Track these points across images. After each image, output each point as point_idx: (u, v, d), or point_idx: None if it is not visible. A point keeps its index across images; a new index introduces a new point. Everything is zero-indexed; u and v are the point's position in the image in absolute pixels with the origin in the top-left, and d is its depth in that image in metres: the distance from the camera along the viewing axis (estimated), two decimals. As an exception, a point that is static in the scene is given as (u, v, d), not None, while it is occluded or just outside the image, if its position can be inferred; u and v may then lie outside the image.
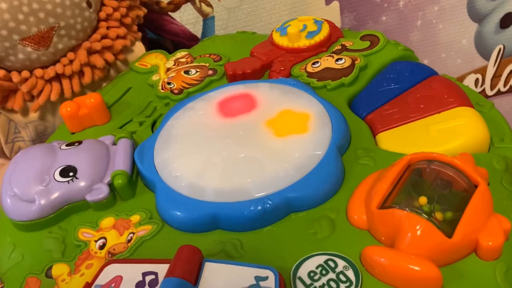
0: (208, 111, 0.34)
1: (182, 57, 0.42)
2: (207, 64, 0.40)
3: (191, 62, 0.41)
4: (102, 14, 0.40)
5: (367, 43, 0.38)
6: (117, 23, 0.41)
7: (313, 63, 0.37)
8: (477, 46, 0.57)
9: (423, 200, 0.25)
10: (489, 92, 0.60)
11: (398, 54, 0.37)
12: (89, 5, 0.39)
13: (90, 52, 0.40)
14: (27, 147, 0.32)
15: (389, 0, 0.52)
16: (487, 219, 0.24)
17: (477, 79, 0.59)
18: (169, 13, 0.50)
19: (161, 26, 0.49)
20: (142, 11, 0.43)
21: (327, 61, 0.37)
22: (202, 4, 0.49)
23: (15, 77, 0.37)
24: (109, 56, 0.40)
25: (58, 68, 0.38)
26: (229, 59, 0.40)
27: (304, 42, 0.38)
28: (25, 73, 0.38)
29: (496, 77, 0.59)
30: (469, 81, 0.59)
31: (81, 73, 0.40)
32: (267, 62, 0.38)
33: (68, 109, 0.35)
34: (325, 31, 0.39)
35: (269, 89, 0.34)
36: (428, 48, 0.56)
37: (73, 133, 0.36)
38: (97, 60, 0.40)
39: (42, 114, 0.40)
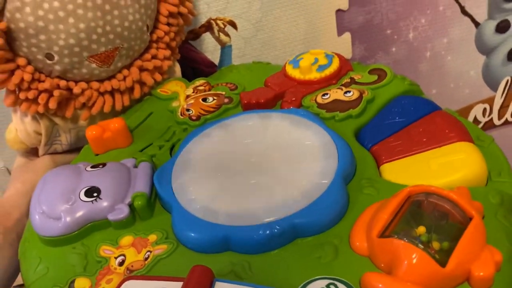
0: (223, 138, 0.36)
1: (201, 85, 0.44)
2: (224, 93, 0.43)
3: (208, 90, 0.44)
4: (154, 36, 0.44)
5: (375, 77, 0.40)
6: (165, 46, 0.45)
7: (323, 95, 0.39)
8: (484, 77, 0.59)
9: (421, 230, 0.27)
10: (497, 122, 0.61)
11: (404, 89, 0.39)
12: (147, 28, 0.43)
13: (141, 70, 0.44)
14: (56, 168, 0.34)
15: (399, 32, 0.55)
16: (479, 251, 0.25)
17: (484, 109, 0.60)
18: (190, 41, 0.53)
19: (182, 53, 0.52)
20: (184, 35, 0.47)
21: (336, 93, 0.39)
22: (221, 33, 0.51)
23: (75, 88, 0.41)
24: (158, 76, 0.45)
25: (114, 83, 0.42)
26: (244, 88, 0.43)
27: (315, 75, 0.41)
28: (83, 85, 0.41)
29: (503, 107, 0.60)
30: (477, 111, 0.60)
31: (131, 88, 0.44)
32: (279, 93, 0.41)
33: (94, 132, 0.38)
34: (335, 64, 0.41)
35: (281, 119, 0.36)
36: (437, 78, 0.58)
37: (97, 155, 0.39)
38: (148, 79, 0.44)
39: (88, 121, 0.43)
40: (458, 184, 0.30)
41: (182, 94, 0.43)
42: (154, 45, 0.44)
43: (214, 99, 0.42)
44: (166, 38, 0.44)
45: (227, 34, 0.52)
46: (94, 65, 0.40)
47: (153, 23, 0.44)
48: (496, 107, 0.60)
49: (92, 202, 0.32)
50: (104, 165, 0.34)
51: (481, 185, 0.31)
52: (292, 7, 0.51)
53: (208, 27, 0.51)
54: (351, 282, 0.26)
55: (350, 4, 0.52)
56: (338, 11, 0.52)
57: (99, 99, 0.42)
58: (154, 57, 0.44)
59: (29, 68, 0.39)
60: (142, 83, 0.44)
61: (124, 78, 0.43)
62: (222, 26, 0.51)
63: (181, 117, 0.41)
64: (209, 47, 0.53)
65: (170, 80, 0.46)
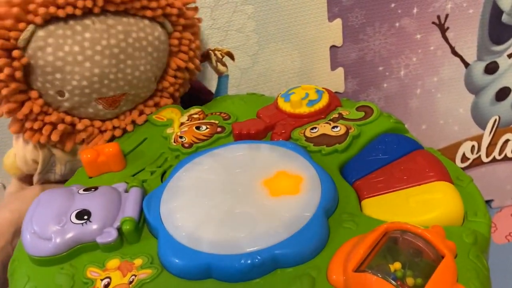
0: (212, 167, 0.37)
1: (196, 113, 0.46)
2: (217, 122, 0.44)
3: (203, 119, 0.45)
4: (160, 86, 0.47)
5: (362, 114, 0.42)
6: (169, 95, 0.48)
7: (312, 129, 0.41)
8: (473, 115, 0.60)
9: (397, 265, 0.28)
10: (485, 159, 0.63)
11: (389, 126, 0.40)
12: (155, 79, 0.45)
13: (140, 113, 0.46)
14: (50, 189, 0.36)
15: (391, 69, 0.57)
16: (449, 289, 0.26)
17: (473, 146, 0.62)
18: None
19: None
20: (188, 87, 0.50)
21: (324, 128, 0.41)
22: (218, 63, 0.53)
23: (79, 124, 0.43)
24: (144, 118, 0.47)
25: (115, 122, 0.45)
26: (237, 118, 0.44)
27: (304, 109, 0.42)
28: (86, 122, 0.44)
29: (491, 145, 0.62)
30: (465, 147, 0.62)
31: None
32: (270, 124, 0.42)
33: (89, 155, 0.39)
34: (324, 100, 0.43)
35: (269, 151, 0.38)
36: (427, 114, 0.60)
37: (90, 177, 0.40)
38: (141, 120, 0.46)
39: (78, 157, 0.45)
40: (435, 222, 0.31)
41: (177, 121, 0.45)
42: (159, 93, 0.47)
43: (207, 128, 0.43)
44: (171, 89, 0.47)
45: (224, 64, 0.54)
46: (100, 107, 0.43)
47: (161, 73, 0.46)
48: (484, 144, 0.62)
49: (82, 225, 0.33)
50: (96, 188, 0.35)
51: (457, 224, 0.32)
52: (287, 42, 0.54)
53: (206, 56, 0.53)
54: (325, 314, 0.27)
55: (344, 41, 0.54)
56: (332, 47, 0.55)
57: (99, 137, 0.44)
58: (156, 104, 0.47)
59: (40, 101, 0.41)
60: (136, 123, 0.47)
61: (124, 118, 0.45)
62: (220, 56, 0.53)
63: (174, 144, 0.42)
64: (207, 76, 0.54)
65: (166, 107, 0.47)
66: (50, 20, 0.39)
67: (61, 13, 0.39)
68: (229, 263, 0.29)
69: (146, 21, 0.43)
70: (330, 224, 0.32)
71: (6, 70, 0.38)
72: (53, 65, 0.40)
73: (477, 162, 0.63)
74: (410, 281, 0.27)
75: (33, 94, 0.41)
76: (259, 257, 0.29)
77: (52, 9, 0.38)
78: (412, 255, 0.29)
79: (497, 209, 0.65)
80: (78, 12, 0.39)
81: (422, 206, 0.32)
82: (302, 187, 0.34)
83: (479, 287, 0.28)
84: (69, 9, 0.39)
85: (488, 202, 0.66)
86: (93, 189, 0.35)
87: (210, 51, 0.53)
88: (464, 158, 0.62)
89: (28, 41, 0.39)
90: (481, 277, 0.28)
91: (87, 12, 0.40)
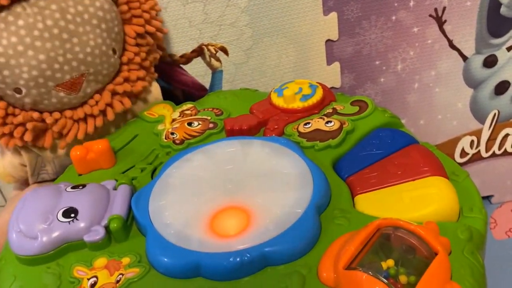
0: (203, 163, 0.37)
1: (188, 109, 0.45)
2: (209, 118, 0.43)
3: (195, 115, 0.44)
4: (124, 59, 0.44)
5: (356, 108, 0.41)
6: (138, 66, 0.45)
7: (305, 124, 0.40)
8: (472, 110, 0.59)
9: (390, 262, 0.27)
10: (484, 154, 0.62)
11: (384, 121, 0.39)
12: (114, 52, 0.43)
13: (114, 93, 0.44)
14: (37, 187, 0.35)
15: (388, 64, 0.56)
16: (442, 286, 0.26)
17: (472, 141, 0.61)
18: (181, 65, 0.54)
19: (173, 76, 0.53)
20: (158, 54, 0.48)
21: (317, 123, 0.40)
22: (212, 59, 0.53)
23: (48, 118, 0.41)
24: (127, 102, 0.44)
25: (87, 109, 0.42)
26: (230, 114, 0.44)
27: (298, 104, 0.42)
28: (56, 115, 0.42)
29: (491, 140, 0.61)
30: (464, 143, 0.61)
31: (103, 112, 0.44)
32: (263, 120, 0.42)
33: (78, 152, 0.39)
34: (318, 95, 0.42)
35: (261, 146, 0.37)
36: (425, 109, 0.59)
37: (80, 175, 0.40)
38: (117, 104, 0.44)
39: (67, 151, 0.43)
40: (429, 218, 0.30)
41: (168, 118, 0.44)
42: (126, 67, 0.44)
43: (199, 124, 0.43)
44: (137, 59, 0.45)
45: (218, 60, 0.53)
46: (62, 94, 0.41)
47: (121, 46, 0.44)
48: (484, 139, 0.61)
49: (69, 223, 0.32)
50: (84, 186, 0.35)
51: (452, 220, 0.31)
52: (282, 36, 0.53)
53: (199, 52, 0.53)
54: (315, 313, 0.26)
55: (340, 35, 0.53)
56: (328, 41, 0.54)
57: (74, 127, 0.43)
58: (126, 79, 0.44)
59: (2, 104, 0.40)
60: (113, 107, 0.44)
61: (96, 103, 0.43)
62: (213, 51, 0.53)
63: (165, 140, 0.41)
64: (201, 71, 0.54)
65: (158, 103, 0.47)
66: None
67: None
68: (218, 261, 0.29)
69: None
70: (322, 220, 0.32)
71: None
72: None
73: (477, 157, 0.62)
74: (403, 278, 0.26)
75: None
76: (248, 255, 0.29)
77: None
78: (405, 252, 0.28)
79: (497, 205, 0.64)
80: (3, 1, 0.37)
81: (416, 202, 0.31)
82: (294, 183, 0.34)
83: (474, 284, 0.27)
84: None
85: (488, 197, 0.65)
86: (81, 187, 0.35)
87: (203, 46, 0.52)
88: (463, 153, 0.61)
89: None
90: (476, 274, 0.28)
91: (15, 0, 0.38)
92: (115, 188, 0.36)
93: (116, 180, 0.37)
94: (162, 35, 0.47)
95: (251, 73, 0.54)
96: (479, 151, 0.62)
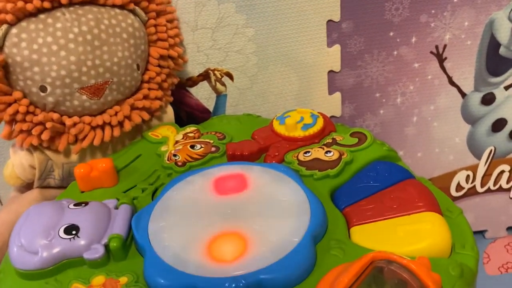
0: (204, 187, 0.37)
1: (191, 132, 0.46)
2: (212, 141, 0.44)
3: (198, 137, 0.45)
4: (146, 77, 0.47)
5: (356, 140, 0.42)
6: (157, 86, 0.48)
7: (305, 152, 0.41)
8: (469, 145, 0.60)
9: (382, 296, 0.28)
10: (480, 189, 0.63)
11: (382, 154, 0.40)
12: (138, 67, 0.46)
13: (132, 108, 0.46)
14: (41, 203, 0.36)
15: (388, 96, 0.57)
16: (432, 323, 0.26)
17: (468, 176, 0.62)
18: (187, 88, 0.55)
19: (178, 98, 0.55)
20: (177, 79, 0.50)
21: (317, 152, 0.41)
22: (217, 83, 0.54)
23: (67, 121, 0.43)
24: (145, 115, 0.47)
25: (105, 118, 0.44)
26: (232, 139, 0.45)
27: (299, 133, 0.43)
28: (75, 118, 0.44)
29: (486, 175, 0.62)
30: (460, 177, 0.62)
31: (121, 123, 0.46)
32: (264, 146, 0.43)
33: (82, 170, 0.40)
34: (319, 124, 0.43)
35: (261, 173, 0.38)
36: (423, 142, 0.60)
37: (82, 192, 0.40)
38: (136, 117, 0.46)
39: (79, 157, 0.45)
40: (422, 253, 0.31)
41: (172, 139, 0.45)
42: (146, 85, 0.47)
43: (202, 147, 0.44)
44: (158, 79, 0.47)
45: (223, 84, 0.54)
46: (84, 97, 0.43)
47: (145, 64, 0.47)
48: (479, 175, 0.62)
49: (70, 240, 0.33)
50: (86, 204, 0.36)
51: (444, 255, 0.32)
52: (286, 65, 0.54)
53: (205, 76, 0.54)
54: None
55: (342, 67, 0.55)
56: (330, 72, 0.55)
57: (90, 133, 0.44)
58: (145, 97, 0.47)
59: (24, 101, 0.42)
60: (131, 119, 0.46)
61: (116, 113, 0.45)
62: (219, 76, 0.54)
63: (168, 162, 0.42)
64: (205, 95, 0.55)
65: (162, 125, 0.48)
66: (21, 17, 0.41)
67: (29, 7, 0.40)
68: (213, 286, 0.29)
69: (117, 10, 0.44)
70: (318, 250, 0.32)
71: None
72: (30, 59, 0.41)
73: (472, 192, 0.63)
74: (394, 312, 0.27)
75: (17, 94, 0.42)
76: (243, 281, 0.29)
77: (20, 3, 0.40)
78: (396, 286, 0.28)
79: (490, 240, 0.65)
80: (46, 4, 0.41)
81: (410, 236, 0.32)
82: (291, 211, 0.34)
83: (463, 321, 0.28)
84: (37, 2, 0.40)
85: (481, 232, 0.66)
86: (83, 204, 0.35)
87: (209, 71, 0.54)
88: (458, 187, 0.62)
89: (3, 40, 0.40)
90: (466, 312, 0.28)
91: (57, 6, 0.42)
92: (116, 207, 0.36)
93: (118, 199, 0.37)
94: (182, 63, 0.50)
95: (254, 98, 0.56)
96: (474, 186, 0.62)
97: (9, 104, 0.42)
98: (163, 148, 0.44)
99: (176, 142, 0.45)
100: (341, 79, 0.55)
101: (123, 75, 0.44)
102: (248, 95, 0.55)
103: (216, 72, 0.54)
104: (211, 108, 0.56)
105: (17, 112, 0.42)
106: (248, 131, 0.45)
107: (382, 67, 0.55)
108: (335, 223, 0.35)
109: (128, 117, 0.46)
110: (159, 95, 0.48)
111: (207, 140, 0.45)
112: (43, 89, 0.42)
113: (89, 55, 0.42)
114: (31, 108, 0.42)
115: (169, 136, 0.46)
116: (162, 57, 0.47)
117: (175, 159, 0.42)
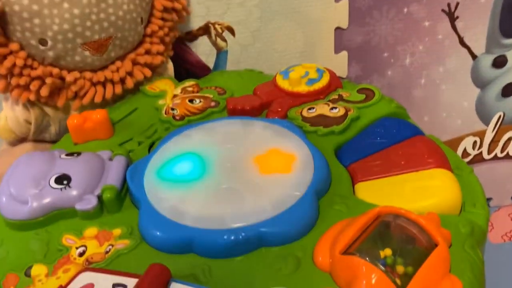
0: (202, 140, 0.36)
1: (190, 86, 0.44)
2: (211, 96, 0.42)
3: (197, 92, 0.43)
4: (148, 31, 0.45)
5: (363, 96, 0.40)
6: (159, 40, 0.45)
7: (309, 109, 0.39)
8: (477, 110, 0.59)
9: (387, 252, 0.26)
10: (486, 156, 0.61)
11: (390, 111, 0.39)
12: (141, 21, 0.43)
13: (134, 63, 0.44)
14: (30, 152, 0.34)
15: (396, 56, 0.55)
16: (440, 278, 0.25)
17: (475, 142, 0.60)
18: (186, 42, 0.53)
19: (177, 53, 0.52)
20: (178, 32, 0.48)
21: (322, 108, 0.39)
22: (218, 38, 0.52)
23: (68, 76, 0.41)
24: (147, 71, 0.45)
25: (107, 73, 0.42)
26: (232, 94, 0.43)
27: (303, 88, 0.41)
28: (76, 74, 0.41)
29: (494, 142, 0.60)
30: (467, 143, 0.60)
31: (123, 80, 0.44)
32: (266, 102, 0.41)
33: (75, 121, 0.38)
34: (325, 80, 0.41)
35: (263, 128, 0.36)
36: (430, 106, 0.58)
37: (76, 144, 0.39)
38: (138, 73, 0.44)
39: (79, 113, 0.42)
40: (431, 210, 0.29)
41: (170, 93, 0.43)
42: (148, 39, 0.44)
43: (200, 101, 0.42)
44: (160, 33, 0.45)
45: (224, 39, 0.52)
46: (87, 53, 0.40)
47: (147, 16, 0.44)
48: (487, 141, 0.60)
49: (61, 190, 0.31)
50: (79, 154, 0.34)
51: (454, 213, 0.31)
52: (291, 20, 0.52)
53: (205, 30, 0.52)
54: (308, 296, 0.25)
55: (350, 24, 0.52)
56: (337, 29, 0.53)
57: (91, 89, 0.42)
58: (147, 51, 0.44)
59: (22, 54, 0.39)
60: (133, 76, 0.44)
61: (117, 69, 0.43)
62: (220, 31, 0.51)
63: (165, 115, 0.40)
64: (205, 51, 0.53)
65: (160, 78, 0.46)
66: None
67: None
68: (211, 238, 0.28)
69: None
70: (321, 205, 0.31)
71: None
72: (30, 9, 0.38)
73: (478, 159, 0.61)
74: (400, 269, 0.26)
75: (14, 46, 0.39)
76: (243, 234, 0.28)
77: None
78: (404, 241, 0.27)
79: (495, 208, 0.64)
80: None
81: (418, 193, 0.31)
82: (294, 166, 0.33)
83: (473, 280, 0.26)
84: None
85: (486, 200, 0.64)
86: (75, 154, 0.34)
87: (209, 25, 0.51)
88: (465, 154, 0.61)
89: None
90: (475, 270, 0.27)
91: None
92: (110, 159, 0.35)
93: (112, 151, 0.36)
94: (185, 15, 0.47)
95: (256, 56, 0.54)
96: (481, 152, 0.61)
97: (5, 56, 0.39)
98: (161, 102, 0.42)
99: (174, 96, 0.43)
100: (348, 37, 0.53)
101: (127, 30, 0.42)
102: (250, 52, 0.53)
103: (216, 26, 0.51)
104: (211, 65, 0.54)
105: (14, 65, 0.39)
106: (250, 86, 0.43)
107: (391, 25, 0.53)
108: (339, 179, 0.33)
109: (130, 73, 0.43)
110: (161, 50, 0.45)
111: (207, 95, 0.43)
112: (43, 42, 0.39)
113: (94, 8, 0.39)
114: (29, 61, 0.40)
115: (167, 90, 0.44)
116: (166, 9, 0.45)
117: (173, 113, 0.40)
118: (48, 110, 0.43)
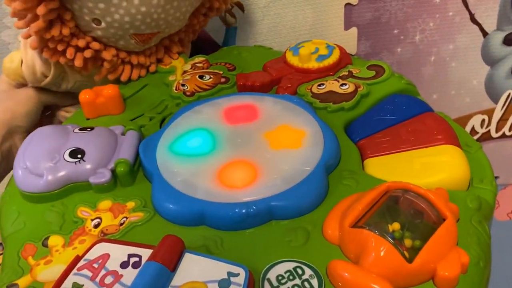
0: (213, 116, 0.36)
1: (199, 62, 0.44)
2: (221, 72, 0.43)
3: (206, 68, 0.44)
4: (187, 22, 0.44)
5: (373, 73, 0.40)
6: (192, 32, 0.46)
7: (319, 85, 0.39)
8: (487, 88, 0.58)
9: (396, 226, 0.27)
10: (494, 134, 0.61)
11: (400, 87, 0.39)
12: (188, 17, 0.43)
13: (166, 50, 0.45)
14: (45, 126, 0.35)
15: (406, 33, 0.54)
16: (448, 251, 0.26)
17: (483, 120, 0.60)
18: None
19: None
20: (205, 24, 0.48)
21: (332, 85, 0.39)
22: (227, 14, 0.51)
23: (107, 56, 0.41)
24: (175, 57, 0.45)
25: (141, 59, 0.43)
26: (242, 70, 0.43)
27: (313, 64, 0.41)
28: (113, 51, 0.41)
29: (502, 120, 0.60)
30: (475, 121, 0.60)
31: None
32: (276, 78, 0.41)
33: (87, 96, 0.38)
34: (335, 56, 0.41)
35: (273, 104, 0.36)
36: (439, 83, 0.58)
37: (88, 119, 0.39)
38: (167, 59, 0.45)
39: (93, 80, 0.43)
40: (439, 186, 0.30)
41: (180, 69, 0.43)
42: (183, 28, 0.44)
43: (210, 77, 0.42)
44: (197, 27, 0.45)
45: (233, 16, 0.52)
46: (133, 41, 0.41)
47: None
48: (495, 119, 0.60)
49: (76, 163, 0.32)
50: (92, 128, 0.34)
51: (462, 189, 0.31)
52: (301, -4, 0.51)
53: (215, 6, 0.51)
54: (317, 267, 0.26)
55: (360, -1, 0.52)
56: (347, 5, 0.52)
57: (119, 68, 0.42)
58: (180, 40, 0.45)
59: (71, 23, 0.38)
60: (162, 62, 0.45)
61: (150, 54, 0.43)
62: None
63: (176, 91, 0.41)
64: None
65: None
66: None
67: None
68: (223, 211, 0.29)
69: None
70: (330, 180, 0.31)
71: None
72: None
73: (486, 137, 0.61)
74: (408, 242, 0.26)
75: (67, 15, 0.38)
76: (254, 207, 0.29)
77: None
78: (412, 216, 0.27)
79: (501, 186, 0.64)
80: None
81: (427, 168, 0.31)
82: (303, 141, 0.33)
83: (480, 253, 0.27)
84: None
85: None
86: (89, 129, 0.34)
87: (219, 0, 0.51)
88: (473, 132, 0.61)
89: None
90: (482, 244, 0.27)
91: None
92: (123, 134, 0.35)
93: (125, 126, 0.36)
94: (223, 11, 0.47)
95: (266, 32, 0.53)
96: (489, 130, 0.61)
97: (52, 22, 0.37)
98: (171, 78, 0.42)
99: (184, 72, 0.43)
100: (358, 13, 0.53)
101: (176, 26, 0.42)
102: (260, 28, 0.53)
103: (226, 1, 0.51)
104: (220, 41, 0.54)
105: (60, 34, 0.38)
106: (260, 62, 0.43)
107: (401, 1, 0.52)
108: (349, 154, 0.33)
109: (160, 60, 0.44)
110: (191, 39, 0.45)
111: (217, 71, 0.43)
112: (97, 22, 0.38)
113: (159, 8, 0.39)
114: (74, 30, 0.39)
115: (177, 66, 0.44)
116: (210, 8, 0.44)
117: (184, 89, 0.41)
118: (69, 70, 0.42)
